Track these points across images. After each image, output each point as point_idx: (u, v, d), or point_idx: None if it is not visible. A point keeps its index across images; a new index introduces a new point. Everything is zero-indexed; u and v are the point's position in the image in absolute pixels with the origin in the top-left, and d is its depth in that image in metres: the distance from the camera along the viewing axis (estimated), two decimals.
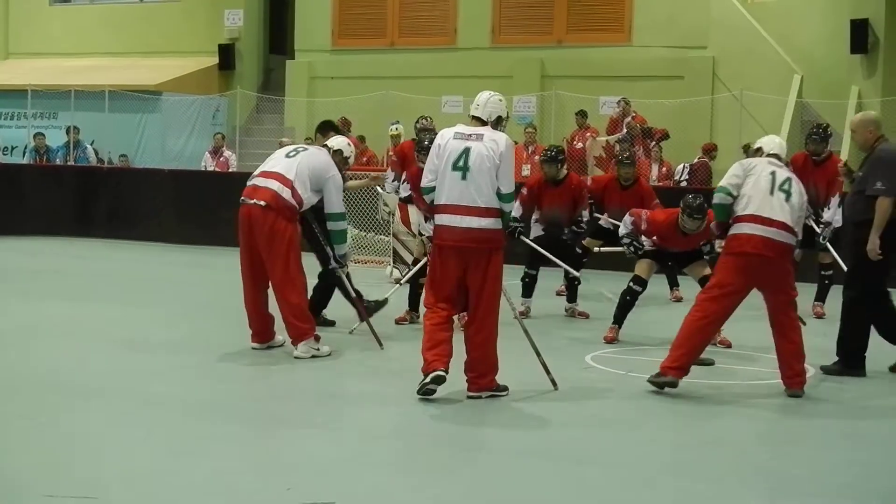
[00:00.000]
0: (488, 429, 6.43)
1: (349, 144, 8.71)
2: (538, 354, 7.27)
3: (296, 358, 7.95)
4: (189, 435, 5.97)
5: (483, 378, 6.87)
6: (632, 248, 9.05)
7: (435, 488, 5.22)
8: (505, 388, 7.03)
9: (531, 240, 10.25)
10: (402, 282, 10.02)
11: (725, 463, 5.81)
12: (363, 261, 14.28)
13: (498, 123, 7.01)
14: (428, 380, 6.67)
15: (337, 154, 8.44)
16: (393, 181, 11.56)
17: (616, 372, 7.89)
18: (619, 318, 9.02)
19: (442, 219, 6.84)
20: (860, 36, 16.43)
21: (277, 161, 8.22)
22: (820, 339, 8.41)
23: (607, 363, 8.19)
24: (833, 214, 10.43)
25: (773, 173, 7.31)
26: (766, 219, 7.14)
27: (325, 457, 5.63)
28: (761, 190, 7.22)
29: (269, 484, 5.13)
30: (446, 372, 6.71)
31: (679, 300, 11.42)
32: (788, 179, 7.34)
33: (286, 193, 7.95)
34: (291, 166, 8.08)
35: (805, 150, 10.76)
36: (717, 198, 7.40)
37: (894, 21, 16.24)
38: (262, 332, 8.31)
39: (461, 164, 6.75)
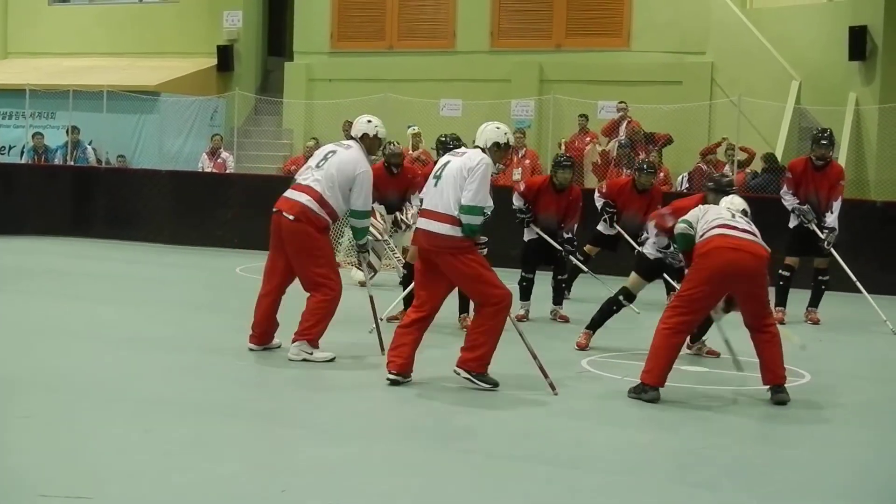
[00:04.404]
0: (486, 432, 6.42)
1: (369, 121, 8.35)
2: (535, 358, 7.28)
3: (289, 360, 7.94)
4: (184, 435, 5.97)
5: (467, 353, 7.27)
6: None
7: (431, 492, 5.22)
8: (493, 383, 7.22)
9: (526, 240, 10.33)
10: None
11: (722, 468, 5.80)
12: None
13: (498, 149, 7.36)
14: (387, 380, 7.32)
15: (364, 140, 8.23)
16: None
17: (612, 377, 7.89)
18: (597, 325, 8.92)
19: (418, 221, 7.45)
20: (859, 43, 16.43)
21: (309, 173, 8.11)
22: (816, 345, 8.40)
23: (603, 368, 8.19)
24: (835, 220, 10.41)
25: (728, 208, 7.45)
26: (734, 226, 7.20)
27: (322, 459, 5.62)
28: (718, 216, 7.32)
29: (264, 485, 5.12)
30: (399, 375, 7.26)
31: None
32: (745, 210, 7.47)
33: (315, 206, 7.91)
34: (320, 178, 7.98)
35: (810, 153, 10.68)
36: (679, 228, 7.53)
37: (893, 28, 16.23)
38: (263, 335, 8.31)
39: (438, 174, 7.33)
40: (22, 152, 19.74)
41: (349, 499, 4.99)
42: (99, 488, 4.98)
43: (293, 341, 8.00)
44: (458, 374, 7.28)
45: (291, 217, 7.91)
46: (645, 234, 10.99)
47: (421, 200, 7.48)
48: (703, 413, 7.01)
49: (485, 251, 7.29)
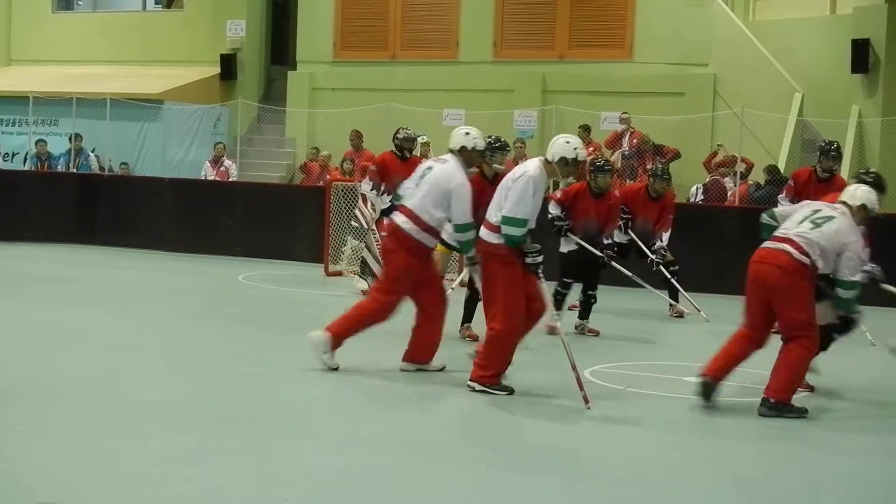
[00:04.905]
0: (487, 442, 6.42)
1: (467, 133, 8.13)
2: (574, 369, 7.22)
3: (307, 338, 7.88)
4: (184, 443, 5.96)
5: (479, 370, 7.35)
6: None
7: (433, 501, 5.21)
8: (505, 390, 7.29)
9: (564, 252, 10.22)
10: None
11: (724, 479, 5.80)
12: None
13: (566, 164, 7.37)
14: None
15: (463, 152, 8.06)
16: (371, 190, 11.64)
17: (615, 387, 7.88)
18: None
19: None
20: (861, 56, 16.47)
21: (410, 192, 8.07)
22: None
23: (606, 378, 8.18)
24: None
25: (817, 210, 7.34)
26: (777, 237, 7.24)
27: (323, 467, 5.62)
28: (793, 219, 7.33)
29: (265, 494, 5.12)
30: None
31: (680, 315, 11.40)
32: (830, 217, 7.26)
33: (407, 225, 7.90)
34: (416, 195, 7.97)
35: (817, 165, 10.70)
36: (763, 217, 7.66)
37: (895, 41, 16.28)
38: (409, 352, 8.13)
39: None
40: (25, 159, 19.78)
41: None
42: (99, 495, 4.97)
43: (324, 330, 7.93)
44: (473, 388, 7.33)
45: (383, 234, 8.24)
46: (658, 242, 10.96)
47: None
48: (705, 423, 7.00)
49: (539, 258, 7.23)
